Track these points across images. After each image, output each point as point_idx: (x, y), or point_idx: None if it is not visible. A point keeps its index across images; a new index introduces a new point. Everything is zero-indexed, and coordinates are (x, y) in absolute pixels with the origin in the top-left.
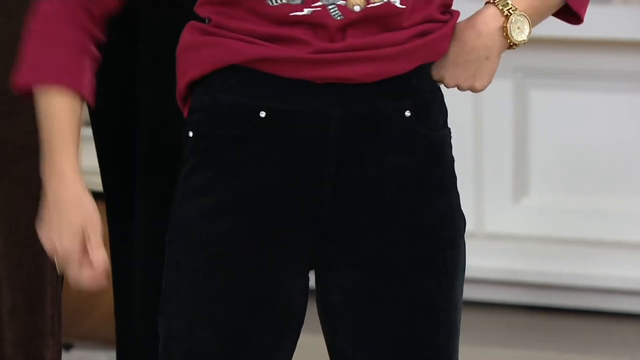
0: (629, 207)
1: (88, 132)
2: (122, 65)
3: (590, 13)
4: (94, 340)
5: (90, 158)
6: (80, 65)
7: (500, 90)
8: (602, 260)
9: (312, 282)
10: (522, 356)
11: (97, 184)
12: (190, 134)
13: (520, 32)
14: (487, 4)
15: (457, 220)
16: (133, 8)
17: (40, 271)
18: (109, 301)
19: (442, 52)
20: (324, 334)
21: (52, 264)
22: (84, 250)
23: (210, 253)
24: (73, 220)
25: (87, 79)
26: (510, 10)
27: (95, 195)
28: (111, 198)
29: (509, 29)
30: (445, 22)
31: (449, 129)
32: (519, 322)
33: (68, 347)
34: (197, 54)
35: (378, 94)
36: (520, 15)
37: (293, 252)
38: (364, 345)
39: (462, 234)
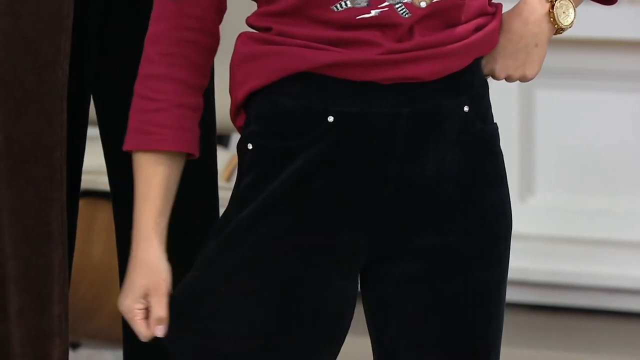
0: (634, 207)
1: (95, 132)
2: (132, 67)
3: (597, 13)
4: (101, 339)
5: (97, 158)
6: (180, 124)
7: (505, 89)
8: (608, 259)
9: None
10: (527, 355)
11: (105, 183)
12: (250, 146)
13: (566, 16)
14: None
15: (508, 215)
16: None
17: (47, 271)
18: (116, 301)
19: (493, 46)
20: (370, 331)
21: (60, 264)
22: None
23: (260, 254)
24: (137, 282)
25: (190, 135)
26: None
27: (103, 194)
28: (118, 198)
29: (555, 15)
30: (494, 14)
31: (497, 125)
32: (525, 321)
33: (75, 346)
34: (260, 63)
35: (439, 92)
36: None
37: (349, 253)
38: (416, 338)
39: (511, 228)
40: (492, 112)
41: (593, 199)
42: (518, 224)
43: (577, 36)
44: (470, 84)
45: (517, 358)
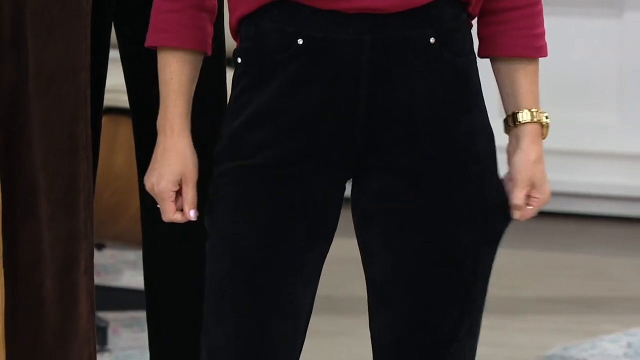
0: (599, 120)
1: (115, 54)
2: None
3: None
4: (123, 240)
5: (119, 78)
6: (193, 24)
7: None
8: (576, 168)
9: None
10: (508, 254)
11: (125, 101)
12: (239, 60)
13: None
14: (531, 124)
15: (484, 137)
16: None
17: (74, 181)
18: (136, 206)
19: None
20: (356, 236)
21: (85, 175)
22: (178, 192)
23: (254, 162)
24: (174, 166)
25: (201, 33)
26: (545, 119)
27: (124, 111)
28: (137, 114)
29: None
30: None
31: (475, 55)
32: None
33: (100, 247)
34: None
35: (404, 24)
36: (545, 114)
37: (333, 164)
38: (393, 247)
39: (490, 150)
40: (472, 45)
41: (563, 114)
42: (498, 138)
43: None
44: (438, 18)
45: (498, 257)
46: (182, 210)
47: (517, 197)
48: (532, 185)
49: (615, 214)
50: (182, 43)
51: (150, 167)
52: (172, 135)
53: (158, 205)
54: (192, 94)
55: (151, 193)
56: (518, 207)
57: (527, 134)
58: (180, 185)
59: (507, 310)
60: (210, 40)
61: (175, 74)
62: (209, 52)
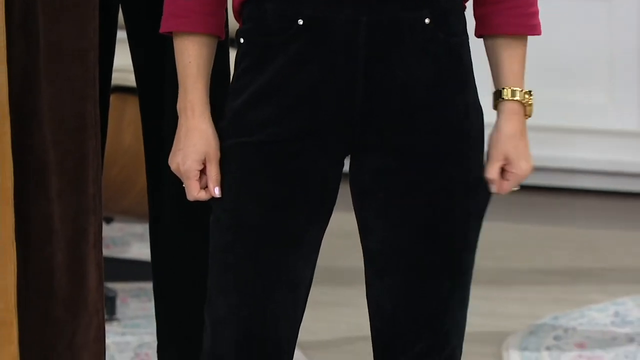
0: (585, 98)
1: (122, 34)
2: None
3: None
4: (131, 214)
5: (126, 58)
6: (206, 10)
7: None
8: (565, 144)
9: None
10: (497, 227)
11: (131, 80)
12: (242, 40)
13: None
14: (509, 102)
15: (475, 114)
16: None
17: (83, 158)
18: (143, 181)
19: None
20: (354, 210)
21: (94, 151)
22: (202, 171)
23: (257, 138)
24: (198, 146)
25: (215, 19)
26: (527, 97)
27: (131, 90)
28: (144, 93)
29: (530, 111)
30: None
31: (467, 35)
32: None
33: (109, 220)
34: None
35: (400, 5)
36: (528, 93)
37: (332, 140)
38: (388, 221)
39: (480, 126)
40: (466, 26)
41: (555, 92)
42: (488, 115)
43: None
44: (432, 0)
45: (489, 229)
46: (206, 188)
47: (490, 171)
48: (506, 160)
49: (603, 188)
50: (197, 28)
51: (174, 148)
52: (193, 117)
53: (183, 185)
54: (209, 75)
55: (176, 173)
56: (492, 181)
57: (504, 111)
58: (204, 164)
59: (499, 281)
60: (223, 25)
61: (193, 58)
62: (223, 37)
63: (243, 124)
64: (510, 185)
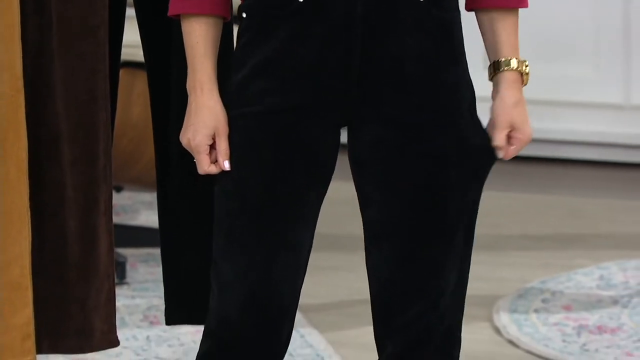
0: (571, 72)
1: (131, 12)
2: None
3: None
4: (139, 183)
5: (135, 34)
6: None
7: None
8: (554, 116)
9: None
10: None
11: (140, 55)
12: (244, 15)
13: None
14: (510, 72)
15: (465, 86)
16: None
17: (93, 130)
18: (151, 152)
19: None
20: (354, 182)
21: (104, 124)
22: (212, 146)
23: (258, 109)
24: (208, 121)
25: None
26: (525, 67)
27: (140, 65)
28: (152, 68)
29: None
30: None
31: (459, 12)
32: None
33: (119, 189)
34: None
35: None
36: (524, 62)
37: (330, 111)
38: (384, 191)
39: (471, 97)
40: (458, 2)
41: (543, 66)
42: (480, 89)
43: None
44: None
45: (482, 198)
46: (216, 162)
47: (498, 138)
48: (512, 127)
49: (590, 158)
50: (203, 10)
51: (184, 124)
52: (202, 94)
53: (194, 160)
54: (217, 54)
55: (187, 148)
56: (500, 148)
57: (505, 80)
58: (213, 139)
59: (491, 247)
60: (228, 6)
61: (201, 38)
62: (228, 17)
63: (245, 96)
64: (515, 150)
